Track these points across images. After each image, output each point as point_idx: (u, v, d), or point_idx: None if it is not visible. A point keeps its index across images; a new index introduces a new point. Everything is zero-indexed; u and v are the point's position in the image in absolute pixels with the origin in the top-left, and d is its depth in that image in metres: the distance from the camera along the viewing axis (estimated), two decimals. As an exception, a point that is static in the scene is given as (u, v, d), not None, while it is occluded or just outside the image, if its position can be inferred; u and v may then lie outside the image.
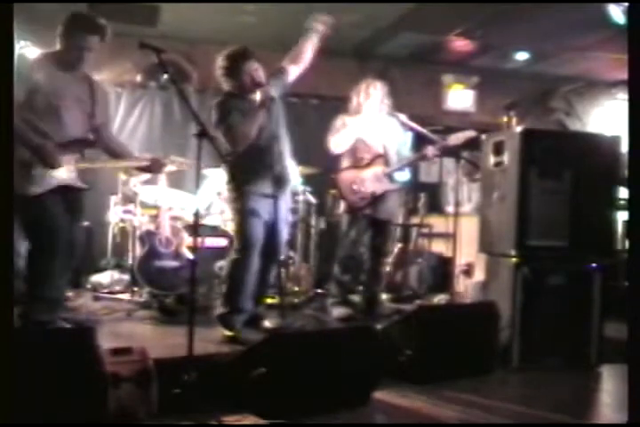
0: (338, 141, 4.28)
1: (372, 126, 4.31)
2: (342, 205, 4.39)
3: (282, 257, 3.76)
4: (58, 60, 3.21)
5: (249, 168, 3.54)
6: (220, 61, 3.60)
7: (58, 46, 3.22)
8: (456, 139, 4.21)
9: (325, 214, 5.25)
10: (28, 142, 3.02)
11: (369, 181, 4.25)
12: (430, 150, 4.25)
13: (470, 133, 4.25)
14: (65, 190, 3.19)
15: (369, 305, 4.36)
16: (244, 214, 3.55)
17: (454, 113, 7.20)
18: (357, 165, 4.29)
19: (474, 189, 5.96)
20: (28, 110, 3.04)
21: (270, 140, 3.54)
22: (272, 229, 3.61)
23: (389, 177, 4.31)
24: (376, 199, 4.24)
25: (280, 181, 3.56)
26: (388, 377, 3.13)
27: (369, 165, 4.29)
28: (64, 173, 3.13)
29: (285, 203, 3.69)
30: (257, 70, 3.58)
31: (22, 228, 3.16)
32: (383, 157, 4.30)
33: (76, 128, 3.23)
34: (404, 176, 4.55)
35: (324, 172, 4.86)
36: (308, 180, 4.99)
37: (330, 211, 5.02)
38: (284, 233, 3.72)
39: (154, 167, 3.54)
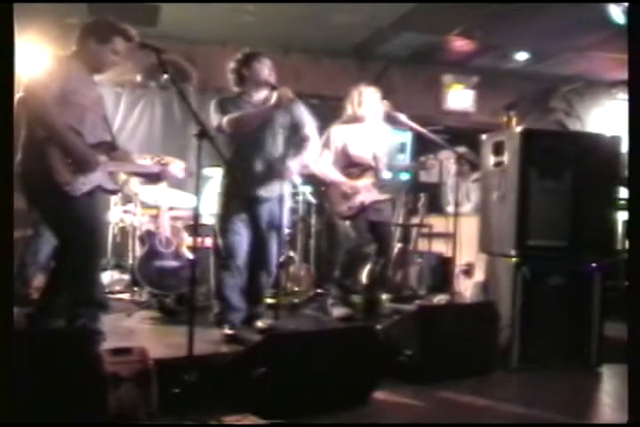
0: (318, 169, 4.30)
1: (362, 137, 4.30)
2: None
3: (273, 263, 3.78)
4: (84, 61, 3.15)
5: (242, 170, 3.58)
6: (229, 64, 3.70)
7: (79, 48, 3.16)
8: (447, 154, 4.29)
9: (324, 215, 5.25)
10: (67, 142, 2.96)
11: (358, 192, 4.25)
12: (428, 162, 4.42)
13: (460, 151, 4.33)
14: (101, 191, 3.17)
15: (369, 305, 4.36)
16: (225, 220, 3.62)
17: (454, 113, 7.20)
18: (348, 177, 4.27)
19: (473, 189, 5.96)
20: (60, 109, 2.99)
21: (265, 144, 3.62)
22: (259, 235, 3.68)
23: (380, 187, 4.31)
24: (365, 208, 4.23)
25: (269, 186, 3.62)
26: (388, 377, 3.13)
27: (359, 176, 4.29)
28: (100, 175, 3.10)
29: (275, 206, 3.68)
30: (263, 70, 3.63)
31: (60, 228, 3.12)
32: (373, 169, 4.30)
33: (99, 130, 3.20)
34: (402, 177, 4.57)
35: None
36: (307, 180, 4.99)
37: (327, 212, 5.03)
38: (273, 238, 3.71)
39: (162, 176, 3.57)
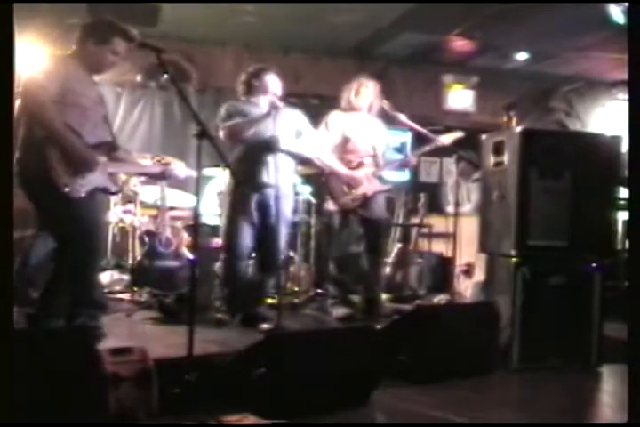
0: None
1: (361, 126, 4.31)
2: (332, 205, 4.36)
3: (279, 259, 3.84)
4: (83, 61, 3.14)
5: (241, 172, 3.66)
6: (240, 77, 3.93)
7: (79, 48, 3.15)
8: (446, 139, 4.29)
9: (324, 215, 5.24)
10: (66, 142, 2.94)
11: (360, 183, 4.24)
12: (411, 159, 4.49)
13: (458, 134, 4.33)
14: (101, 192, 3.17)
15: (369, 305, 4.35)
16: (231, 218, 3.75)
17: (454, 113, 7.20)
18: (347, 166, 4.26)
19: (473, 189, 5.97)
20: (59, 109, 2.97)
21: (266, 147, 3.71)
22: (265, 230, 3.78)
23: (379, 178, 4.32)
24: (366, 200, 4.25)
25: (276, 179, 3.67)
26: (388, 377, 3.13)
27: (359, 166, 4.28)
28: (99, 176, 3.10)
29: (281, 199, 3.73)
30: (271, 82, 3.81)
31: (59, 229, 3.12)
32: (373, 158, 4.31)
33: (100, 130, 3.19)
34: (402, 176, 4.57)
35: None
36: (307, 180, 4.99)
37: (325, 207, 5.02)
38: (278, 237, 3.77)
39: (167, 175, 3.59)
